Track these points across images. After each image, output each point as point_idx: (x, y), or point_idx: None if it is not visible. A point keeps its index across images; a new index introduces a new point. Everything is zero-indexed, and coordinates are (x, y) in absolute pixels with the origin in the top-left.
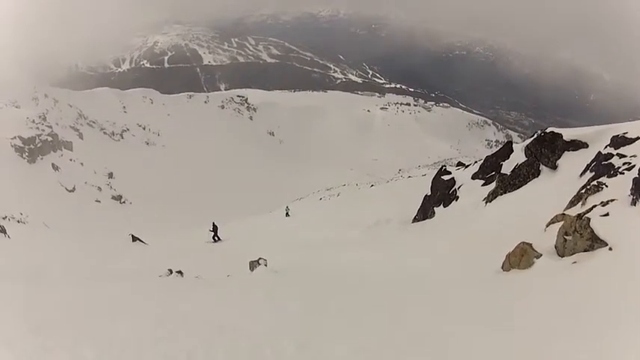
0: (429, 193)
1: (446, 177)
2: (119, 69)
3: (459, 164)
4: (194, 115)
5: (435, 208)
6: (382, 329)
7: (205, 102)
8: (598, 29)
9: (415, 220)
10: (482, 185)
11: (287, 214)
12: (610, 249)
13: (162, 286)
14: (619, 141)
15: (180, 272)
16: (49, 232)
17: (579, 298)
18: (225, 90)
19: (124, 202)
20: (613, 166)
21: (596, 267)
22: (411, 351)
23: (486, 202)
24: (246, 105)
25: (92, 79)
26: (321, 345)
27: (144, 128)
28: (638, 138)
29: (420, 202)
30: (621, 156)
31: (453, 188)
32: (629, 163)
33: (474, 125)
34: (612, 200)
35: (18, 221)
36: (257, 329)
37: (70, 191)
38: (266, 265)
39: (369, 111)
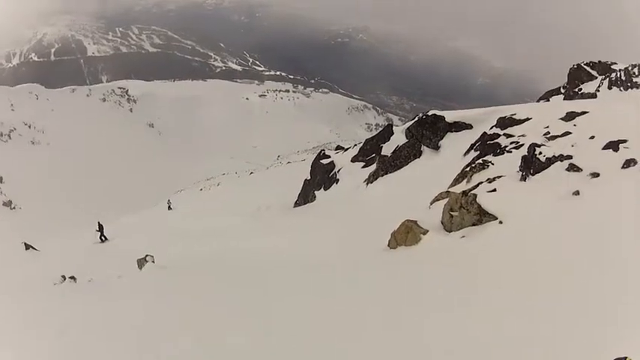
0: (309, 178)
1: (325, 161)
2: (10, 64)
3: (338, 148)
4: (77, 110)
5: (315, 192)
6: (270, 315)
7: (88, 95)
8: (493, 18)
9: (296, 204)
10: (363, 167)
11: (169, 208)
12: (500, 222)
13: (58, 293)
14: (506, 122)
15: (73, 277)
16: None
17: (471, 269)
18: (107, 82)
19: (14, 207)
20: (499, 145)
21: (486, 239)
22: (300, 334)
23: (367, 183)
24: (126, 97)
25: None
26: (217, 337)
27: (29, 126)
28: (527, 119)
29: (301, 187)
30: (508, 136)
31: (333, 171)
32: (517, 142)
33: (354, 110)
34: (499, 177)
35: None
36: (154, 328)
37: None
38: (153, 262)
39: (247, 99)
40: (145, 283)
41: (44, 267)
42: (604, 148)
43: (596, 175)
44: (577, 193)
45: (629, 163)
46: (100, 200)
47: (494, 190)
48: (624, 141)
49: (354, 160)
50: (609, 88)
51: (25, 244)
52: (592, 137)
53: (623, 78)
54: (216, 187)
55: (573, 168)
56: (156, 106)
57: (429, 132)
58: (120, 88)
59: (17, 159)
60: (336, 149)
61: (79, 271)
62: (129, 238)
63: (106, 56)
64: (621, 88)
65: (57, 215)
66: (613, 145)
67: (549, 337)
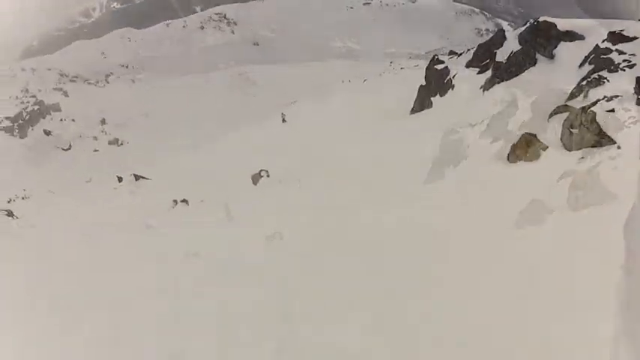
0: (424, 84)
1: (439, 66)
2: (91, 18)
3: (452, 53)
4: (175, 42)
5: (431, 98)
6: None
7: (184, 27)
8: None
9: (413, 110)
10: (478, 73)
11: (283, 120)
12: (619, 147)
13: (169, 218)
14: (616, 37)
15: (185, 201)
16: (54, 198)
17: (597, 195)
18: (202, 11)
19: (121, 144)
20: (612, 61)
21: (606, 164)
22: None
23: (484, 90)
24: (225, 21)
25: (65, 38)
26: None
27: (126, 67)
28: (635, 37)
29: (416, 93)
30: (620, 52)
31: (448, 77)
32: (629, 61)
33: (462, 14)
34: (616, 96)
35: (22, 198)
36: (260, 242)
37: (66, 150)
38: (268, 176)
39: (352, 8)
40: (259, 200)
41: (156, 194)
42: None
43: None
44: None
45: None
46: (210, 121)
47: (612, 110)
48: None
49: (468, 65)
50: None
51: (135, 175)
52: None
53: None
54: (331, 96)
55: None
56: (257, 24)
57: (542, 39)
58: (217, 14)
59: (117, 100)
60: (449, 54)
61: (191, 193)
62: (241, 154)
63: None
64: None
65: (163, 143)
66: None
67: None
